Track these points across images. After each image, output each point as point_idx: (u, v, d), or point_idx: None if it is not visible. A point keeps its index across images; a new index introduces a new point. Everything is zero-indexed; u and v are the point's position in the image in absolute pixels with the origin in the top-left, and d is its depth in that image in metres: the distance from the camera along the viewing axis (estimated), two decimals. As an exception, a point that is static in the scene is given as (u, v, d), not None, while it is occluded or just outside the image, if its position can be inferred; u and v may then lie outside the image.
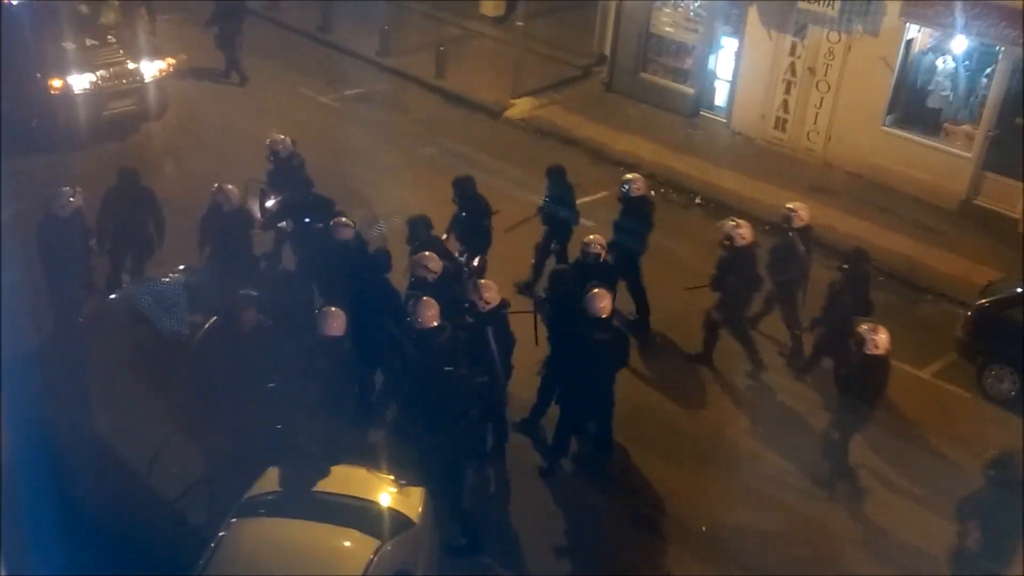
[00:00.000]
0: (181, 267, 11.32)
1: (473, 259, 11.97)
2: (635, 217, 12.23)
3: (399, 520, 8.15)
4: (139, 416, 9.57)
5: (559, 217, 12.69)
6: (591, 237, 11.20)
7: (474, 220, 12.12)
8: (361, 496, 8.33)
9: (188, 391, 9.18)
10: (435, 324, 8.97)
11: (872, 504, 10.36)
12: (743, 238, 11.32)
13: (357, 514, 8.07)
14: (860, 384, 10.00)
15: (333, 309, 9.27)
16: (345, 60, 20.92)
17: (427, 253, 10.29)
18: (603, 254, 11.18)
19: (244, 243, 11.71)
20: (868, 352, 9.65)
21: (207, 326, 9.49)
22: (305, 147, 13.10)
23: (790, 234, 11.88)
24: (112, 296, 11.33)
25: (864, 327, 9.83)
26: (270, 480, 8.40)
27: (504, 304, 9.84)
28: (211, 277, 10.83)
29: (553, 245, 12.82)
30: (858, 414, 10.30)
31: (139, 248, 12.12)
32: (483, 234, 12.20)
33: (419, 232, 11.12)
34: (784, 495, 10.41)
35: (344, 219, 10.93)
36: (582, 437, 10.62)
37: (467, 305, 9.63)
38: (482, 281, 9.87)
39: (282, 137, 12.82)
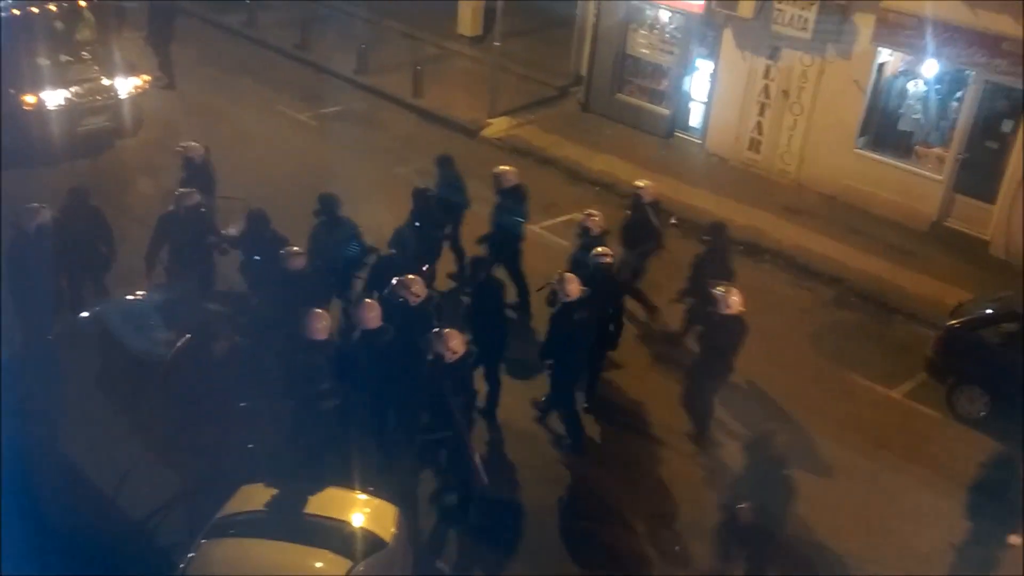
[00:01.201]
0: (152, 286, 11.27)
1: (423, 265, 12.03)
2: (511, 206, 12.85)
3: (372, 541, 8.11)
4: (109, 436, 9.47)
5: (452, 204, 13.15)
6: (600, 249, 11.34)
7: (426, 230, 12.49)
8: (334, 516, 8.29)
9: (160, 411, 9.10)
10: (378, 325, 9.20)
11: (843, 522, 10.38)
12: (598, 227, 11.87)
13: (330, 534, 8.04)
14: (718, 343, 10.66)
15: (318, 311, 9.42)
16: (323, 78, 20.97)
17: (412, 277, 10.26)
18: (612, 264, 11.41)
19: (204, 250, 11.89)
20: (723, 312, 10.36)
21: (180, 345, 9.41)
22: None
23: (644, 207, 12.75)
24: (82, 315, 11.23)
25: (718, 290, 10.54)
26: (242, 500, 8.34)
27: (469, 353, 9.65)
28: (182, 295, 10.77)
29: (447, 230, 13.13)
30: (718, 373, 10.90)
31: (93, 267, 12.07)
32: (434, 245, 12.66)
33: (331, 208, 11.71)
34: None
35: (295, 248, 11.01)
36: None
37: (431, 358, 9.32)
38: (447, 330, 9.50)
39: (195, 144, 13.01)
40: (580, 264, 11.44)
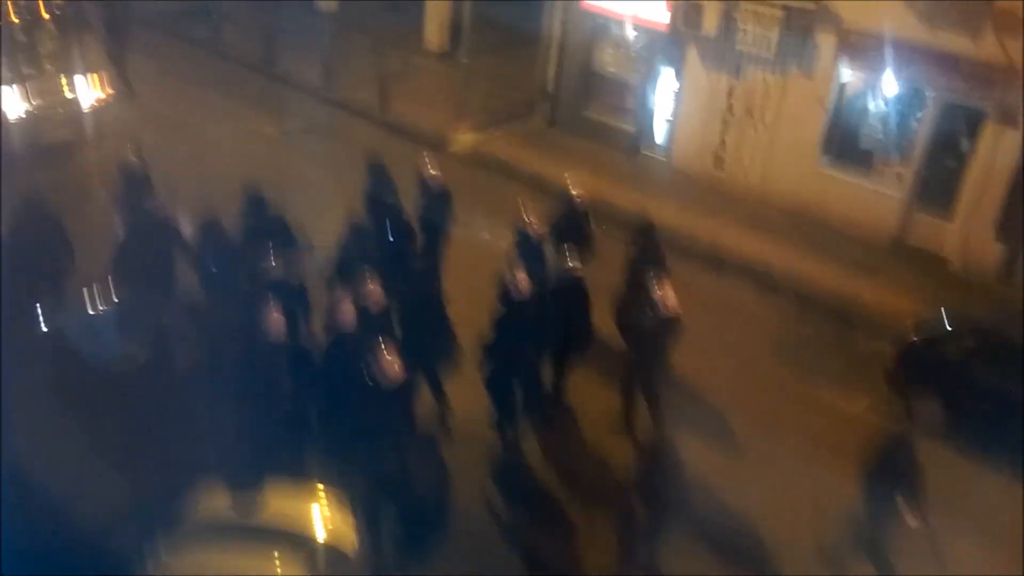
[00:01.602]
0: (114, 297, 11.17)
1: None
2: (437, 207, 12.90)
3: (334, 554, 8.07)
4: (67, 449, 9.35)
5: (383, 208, 12.98)
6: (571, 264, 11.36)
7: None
8: (297, 528, 8.24)
9: (120, 424, 9.01)
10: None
11: (805, 535, 10.48)
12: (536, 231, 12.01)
13: (291, 546, 7.98)
14: (653, 343, 10.97)
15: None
16: (289, 92, 20.93)
17: (372, 285, 10.27)
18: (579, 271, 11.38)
19: (169, 261, 11.88)
20: (660, 314, 10.66)
21: (141, 357, 9.33)
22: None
23: (577, 212, 12.81)
24: (43, 328, 11.10)
25: (656, 293, 10.77)
26: (203, 512, 8.27)
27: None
28: (144, 307, 10.68)
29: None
30: (652, 370, 11.16)
31: (53, 278, 11.95)
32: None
33: (258, 210, 11.76)
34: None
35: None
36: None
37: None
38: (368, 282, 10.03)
39: (132, 157, 13.05)
40: (572, 223, 11.80)
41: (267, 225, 12.00)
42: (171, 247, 11.99)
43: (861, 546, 9.54)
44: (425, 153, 13.13)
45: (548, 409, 11.70)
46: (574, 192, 13.02)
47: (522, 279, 10.51)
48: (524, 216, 12.22)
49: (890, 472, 9.14)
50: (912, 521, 9.14)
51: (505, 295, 10.62)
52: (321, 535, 8.22)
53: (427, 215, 12.84)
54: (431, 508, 10.23)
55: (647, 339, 11.13)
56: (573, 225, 12.79)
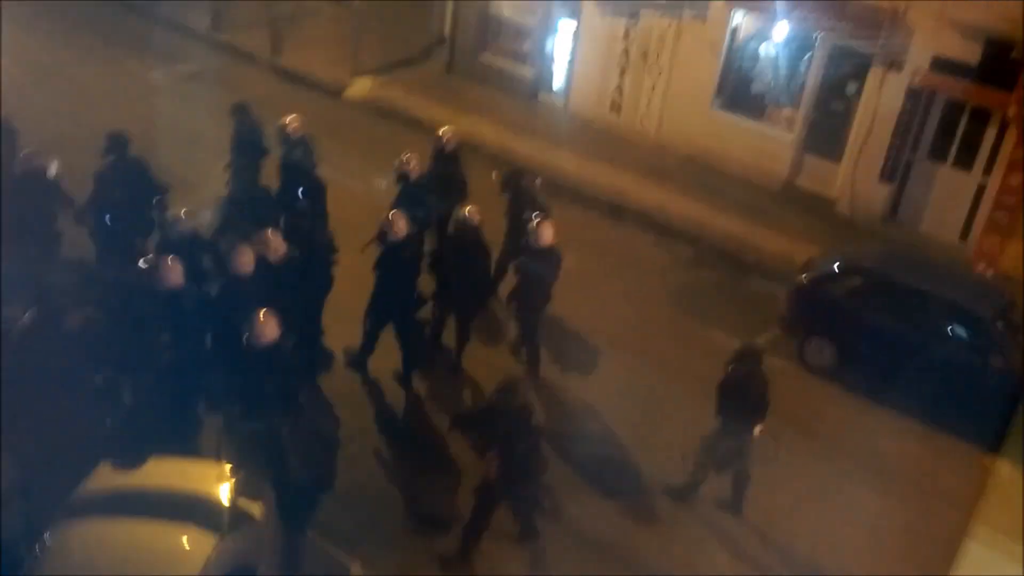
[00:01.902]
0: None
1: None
2: (297, 154, 12.61)
3: (239, 514, 7.98)
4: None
5: (253, 151, 12.90)
6: (468, 208, 11.31)
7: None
8: (198, 491, 8.11)
9: (3, 387, 8.65)
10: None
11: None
12: (416, 171, 12.01)
13: (194, 510, 7.85)
14: (535, 275, 11.18)
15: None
16: (175, 35, 20.08)
17: (271, 232, 10.14)
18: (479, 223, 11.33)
19: (48, 217, 11.42)
20: (536, 245, 10.98)
21: (24, 320, 8.95)
22: (128, 127, 12.52)
23: (447, 156, 12.71)
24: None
25: (532, 223, 11.07)
26: (100, 478, 8.06)
27: (292, 253, 10.03)
28: (25, 266, 10.24)
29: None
30: (537, 305, 11.44)
31: None
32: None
33: (121, 147, 11.56)
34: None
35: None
36: None
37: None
38: (268, 231, 10.03)
39: None
40: (446, 173, 11.78)
41: (126, 167, 11.69)
42: (47, 200, 11.46)
43: (715, 458, 10.02)
44: (291, 117, 12.81)
45: (438, 357, 11.81)
46: (442, 134, 12.87)
47: (398, 220, 10.66)
48: (403, 159, 12.12)
49: (739, 386, 9.64)
50: (757, 431, 9.73)
51: (382, 236, 10.79)
52: (223, 496, 8.10)
53: (287, 163, 12.53)
54: (316, 464, 10.17)
55: (530, 271, 11.26)
56: (444, 168, 12.70)
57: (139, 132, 13.19)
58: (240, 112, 13.11)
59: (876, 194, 15.77)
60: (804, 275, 12.83)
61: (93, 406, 8.97)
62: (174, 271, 9.34)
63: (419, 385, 11.54)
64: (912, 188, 15.70)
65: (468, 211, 11.33)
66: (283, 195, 12.25)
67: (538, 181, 16.16)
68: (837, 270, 12.71)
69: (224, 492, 8.16)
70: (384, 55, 19.78)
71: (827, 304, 12.49)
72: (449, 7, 19.56)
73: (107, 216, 11.46)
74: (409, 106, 18.25)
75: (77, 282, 10.50)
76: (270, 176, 12.67)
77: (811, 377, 12.54)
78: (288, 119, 12.69)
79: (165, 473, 8.23)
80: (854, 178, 15.93)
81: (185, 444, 9.14)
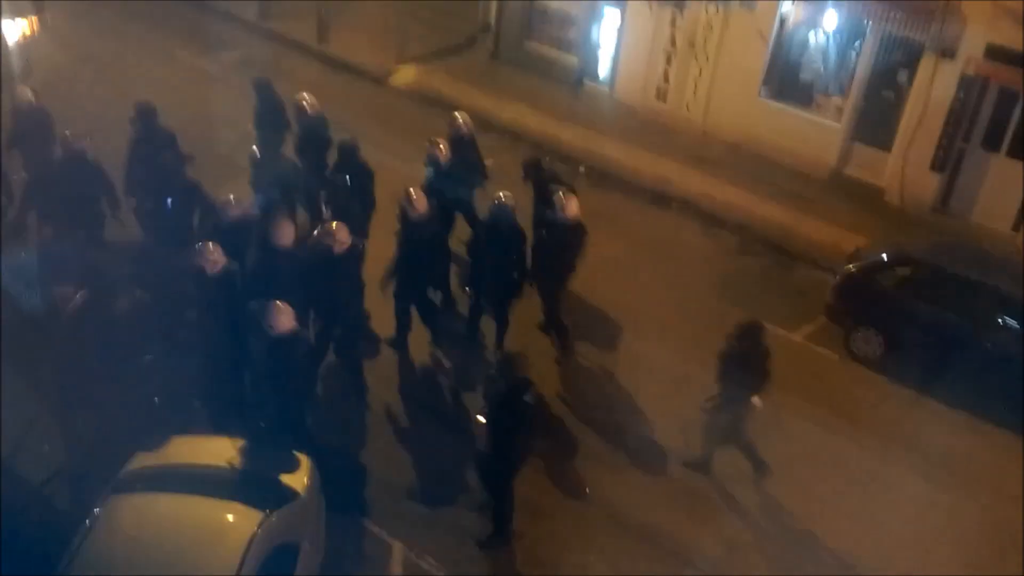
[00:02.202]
0: (41, 238, 10.89)
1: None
2: (313, 133, 12.73)
3: (283, 491, 8.07)
4: (3, 396, 9.14)
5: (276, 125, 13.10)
6: (502, 193, 11.26)
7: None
8: (243, 468, 8.21)
9: (58, 369, 8.82)
10: (291, 327, 8.93)
11: (741, 463, 10.73)
12: (445, 156, 11.95)
13: (240, 486, 7.97)
14: (558, 246, 11.14)
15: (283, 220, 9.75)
16: (224, 24, 20.29)
17: (336, 223, 10.14)
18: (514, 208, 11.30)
19: (91, 199, 11.61)
20: (560, 217, 10.93)
21: (77, 301, 9.11)
22: (179, 113, 12.75)
23: (463, 140, 12.57)
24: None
25: (558, 195, 11.04)
26: (149, 454, 8.18)
27: (356, 244, 10.03)
28: (75, 248, 10.40)
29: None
30: (561, 275, 11.41)
31: None
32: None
33: (148, 118, 11.91)
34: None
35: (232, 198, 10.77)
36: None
37: (320, 248, 9.81)
38: (333, 224, 9.98)
39: (24, 89, 12.80)
40: (433, 192, 11.55)
41: (155, 137, 11.89)
42: (88, 181, 11.62)
43: (718, 429, 10.19)
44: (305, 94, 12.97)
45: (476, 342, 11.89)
46: (459, 118, 12.77)
47: (418, 198, 10.74)
48: (435, 143, 12.14)
49: (741, 358, 9.76)
50: (756, 401, 9.92)
51: (403, 214, 10.88)
52: (268, 473, 8.20)
53: (303, 143, 12.73)
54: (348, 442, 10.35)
55: (553, 243, 11.26)
56: (463, 153, 12.59)
57: (186, 117, 13.42)
58: (262, 87, 13.24)
59: (927, 184, 15.50)
60: (852, 264, 12.65)
61: (141, 384, 9.12)
62: (220, 257, 9.47)
63: (458, 371, 11.58)
64: (964, 178, 15.40)
65: (503, 195, 11.26)
66: (315, 169, 12.46)
67: (582, 169, 16.29)
68: (886, 259, 12.52)
69: (268, 469, 8.27)
70: (429, 43, 19.83)
71: (875, 294, 12.31)
72: (495, -5, 19.55)
73: (151, 198, 11.57)
74: (454, 93, 18.26)
75: (124, 263, 10.64)
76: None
77: (858, 367, 12.39)
78: (303, 94, 12.83)
79: (211, 450, 8.35)
80: (904, 167, 15.67)
81: (231, 422, 9.24)
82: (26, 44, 16.45)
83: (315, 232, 10.34)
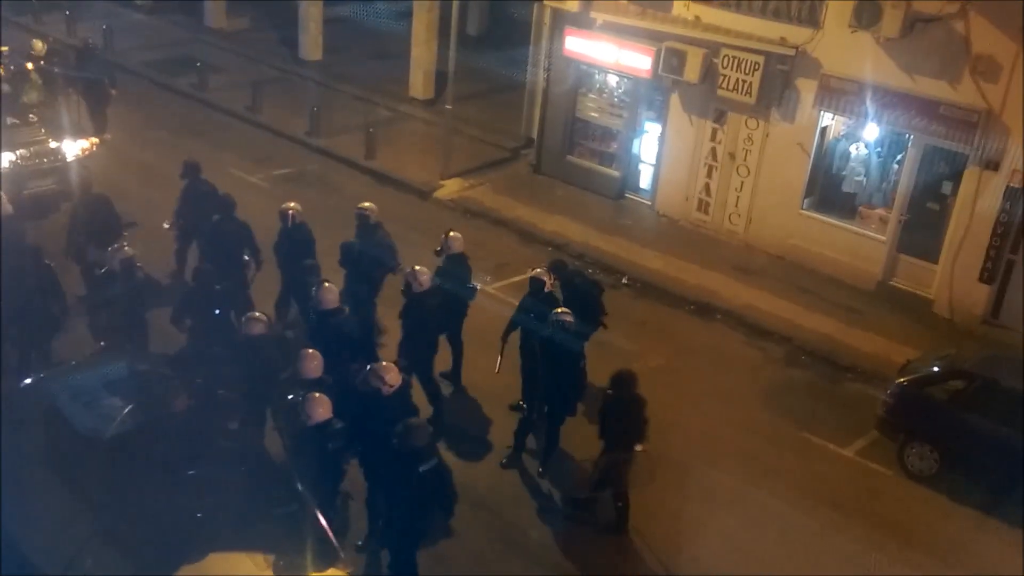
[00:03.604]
0: (97, 350, 11.04)
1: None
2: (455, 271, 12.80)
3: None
4: (53, 515, 9.12)
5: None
6: (560, 310, 11.29)
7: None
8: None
9: (104, 485, 8.82)
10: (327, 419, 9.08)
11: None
12: (421, 285, 11.77)
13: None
14: (417, 318, 11.71)
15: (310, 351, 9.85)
16: (275, 140, 20.97)
17: (385, 365, 9.92)
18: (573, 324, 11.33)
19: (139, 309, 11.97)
20: (415, 290, 11.56)
21: (125, 415, 9.18)
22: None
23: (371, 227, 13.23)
24: (24, 382, 10.89)
25: (410, 270, 11.73)
26: (190, 572, 8.09)
27: (406, 383, 10.00)
28: (128, 361, 10.51)
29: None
30: (422, 348, 11.84)
31: (43, 329, 11.81)
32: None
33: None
34: None
35: (257, 314, 10.94)
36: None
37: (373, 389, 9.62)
38: (384, 363, 9.85)
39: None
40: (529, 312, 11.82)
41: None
42: (136, 293, 11.82)
43: (598, 477, 10.70)
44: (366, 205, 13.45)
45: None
46: (366, 207, 13.36)
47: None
48: (542, 272, 12.20)
49: (617, 409, 10.41)
50: (639, 449, 10.57)
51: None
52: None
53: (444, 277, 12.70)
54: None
55: (412, 315, 11.76)
56: (372, 244, 13.13)
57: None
58: (190, 171, 14.77)
59: (976, 295, 15.31)
60: (903, 377, 12.42)
61: (185, 498, 9.07)
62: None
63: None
64: (1013, 289, 15.17)
65: (561, 313, 11.19)
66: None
67: (624, 280, 16.33)
68: (938, 372, 12.29)
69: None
70: (473, 157, 20.28)
71: (929, 408, 12.04)
72: (537, 110, 20.01)
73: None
74: (497, 206, 18.57)
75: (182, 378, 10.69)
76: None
77: (913, 484, 12.02)
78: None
79: (255, 569, 8.22)
80: (952, 279, 15.52)
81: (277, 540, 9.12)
82: (85, 160, 17.08)
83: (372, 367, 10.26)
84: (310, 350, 9.92)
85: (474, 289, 12.99)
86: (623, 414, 10.34)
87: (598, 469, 10.70)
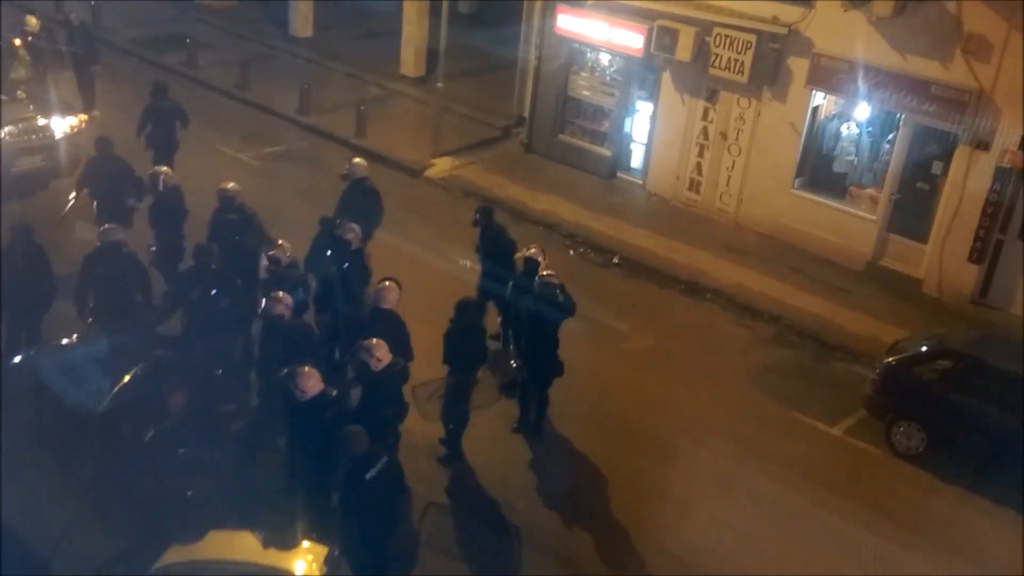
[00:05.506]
0: (86, 329, 11.00)
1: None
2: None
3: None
4: (43, 492, 9.15)
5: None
6: (546, 272, 11.50)
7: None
8: (276, 565, 8.12)
9: (95, 462, 8.84)
10: (320, 391, 9.04)
11: (782, 557, 10.46)
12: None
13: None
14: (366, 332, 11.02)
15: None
16: (264, 118, 20.86)
17: (375, 341, 9.79)
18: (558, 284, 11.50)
19: (129, 289, 11.78)
20: (379, 306, 11.01)
21: (115, 391, 9.18)
22: (214, 203, 13.00)
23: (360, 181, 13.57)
24: (14, 360, 10.87)
25: (378, 285, 11.17)
26: (182, 548, 8.13)
27: (395, 363, 9.76)
28: (119, 341, 10.50)
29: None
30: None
31: (32, 308, 11.78)
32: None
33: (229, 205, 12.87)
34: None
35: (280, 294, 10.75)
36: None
37: (360, 364, 9.66)
38: (373, 340, 9.69)
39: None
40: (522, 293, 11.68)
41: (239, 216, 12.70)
42: (128, 272, 11.75)
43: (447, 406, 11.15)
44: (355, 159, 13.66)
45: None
46: (355, 162, 13.75)
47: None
48: (536, 251, 12.15)
49: (461, 336, 10.83)
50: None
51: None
52: (304, 573, 8.10)
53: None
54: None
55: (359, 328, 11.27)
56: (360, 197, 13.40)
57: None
58: (101, 146, 14.12)
59: (965, 275, 15.36)
60: (892, 357, 12.47)
61: (176, 479, 9.09)
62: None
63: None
64: (1002, 269, 15.24)
65: (547, 273, 11.51)
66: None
67: (615, 259, 16.34)
68: (926, 352, 12.35)
69: (301, 566, 8.17)
70: (464, 136, 20.21)
71: (916, 387, 12.10)
72: (529, 89, 19.93)
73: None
74: (488, 185, 18.53)
75: (174, 358, 10.66)
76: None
77: (900, 463, 12.10)
78: (229, 185, 13.14)
79: (245, 546, 8.27)
80: (941, 259, 15.56)
81: (266, 517, 9.16)
82: (73, 136, 16.98)
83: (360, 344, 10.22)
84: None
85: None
86: (464, 339, 10.84)
87: (445, 394, 11.16)
